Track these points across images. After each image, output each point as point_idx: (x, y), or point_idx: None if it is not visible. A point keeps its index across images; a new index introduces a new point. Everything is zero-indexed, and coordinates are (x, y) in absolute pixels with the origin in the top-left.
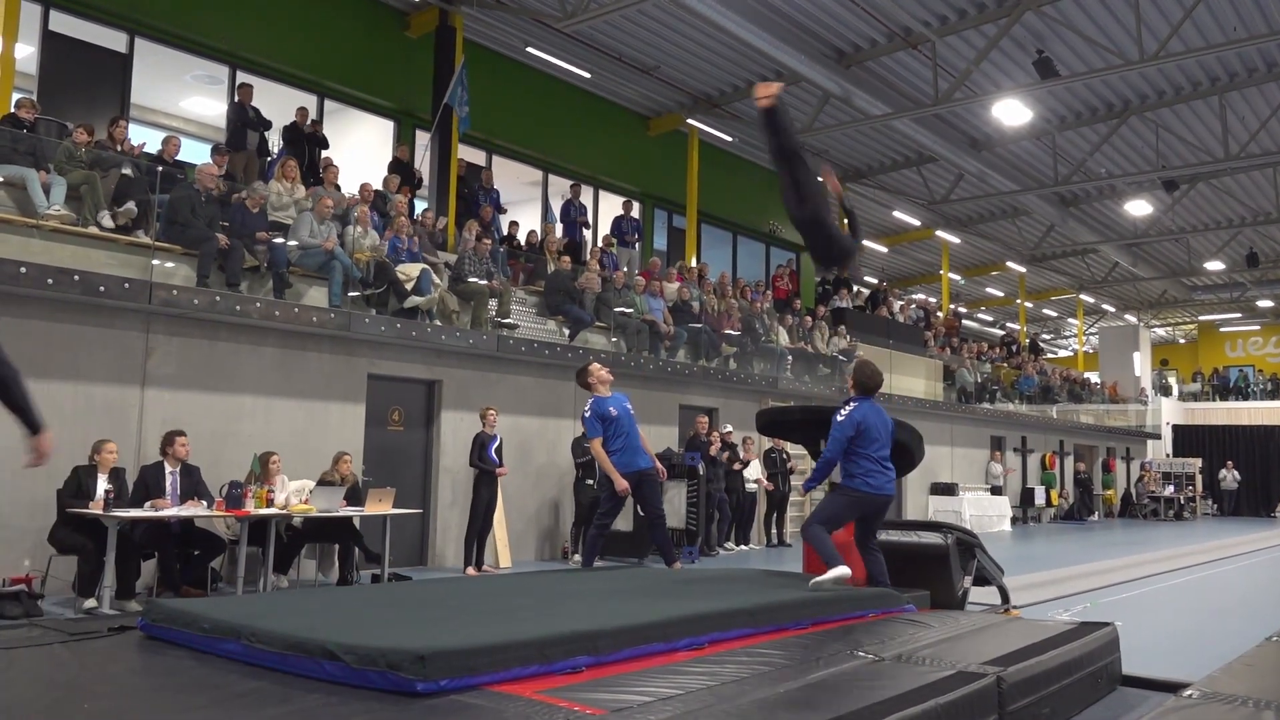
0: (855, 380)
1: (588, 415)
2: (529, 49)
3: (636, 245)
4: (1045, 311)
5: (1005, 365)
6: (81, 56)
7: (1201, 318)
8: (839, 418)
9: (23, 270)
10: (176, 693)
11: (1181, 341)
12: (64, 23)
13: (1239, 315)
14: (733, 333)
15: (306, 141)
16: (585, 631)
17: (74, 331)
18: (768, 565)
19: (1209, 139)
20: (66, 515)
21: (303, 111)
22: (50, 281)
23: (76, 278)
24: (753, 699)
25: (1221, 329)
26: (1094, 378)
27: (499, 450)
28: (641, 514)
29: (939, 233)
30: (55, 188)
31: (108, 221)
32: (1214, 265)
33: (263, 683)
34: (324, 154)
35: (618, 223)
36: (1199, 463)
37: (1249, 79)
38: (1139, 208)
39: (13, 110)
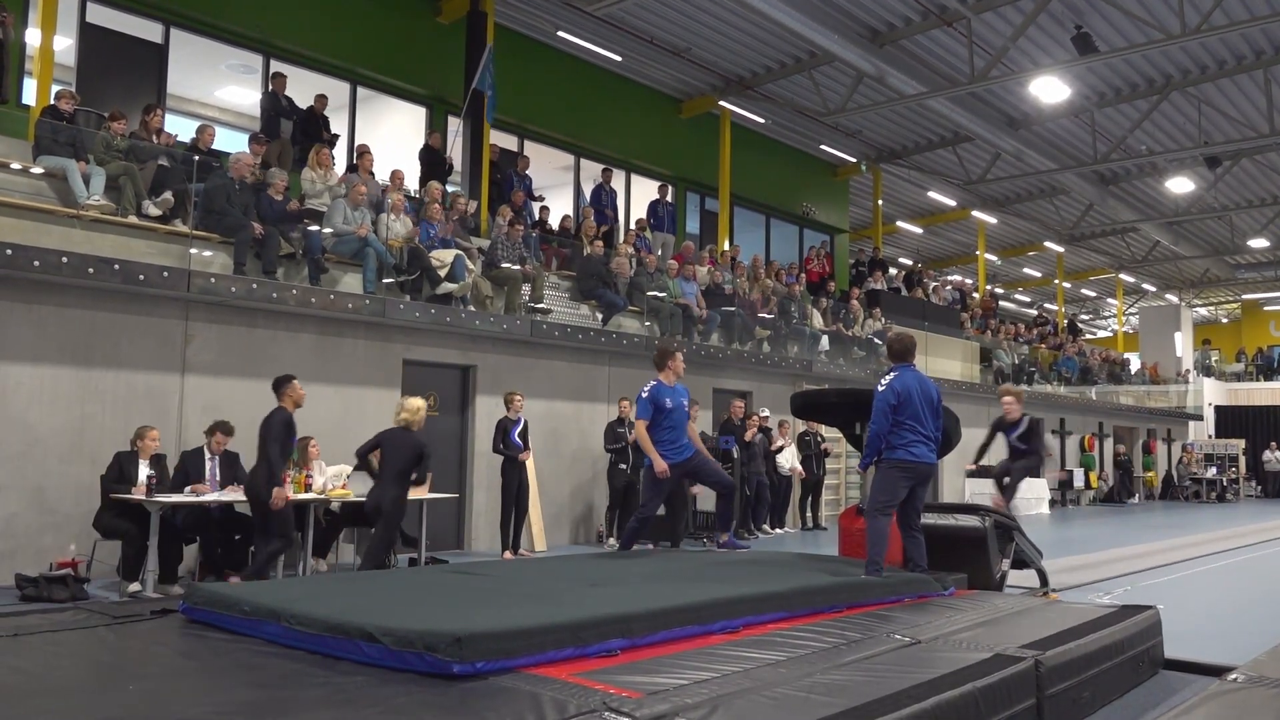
0: (889, 349)
1: (644, 396)
2: (560, 33)
3: (670, 229)
4: (1084, 292)
5: (1043, 346)
6: (118, 47)
7: (1245, 296)
8: (879, 387)
9: (64, 260)
10: (219, 674)
11: (1224, 321)
12: (101, 14)
13: None
14: (766, 316)
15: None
16: (620, 615)
17: (115, 320)
18: (803, 549)
19: (1253, 114)
20: (110, 500)
21: (321, 99)
22: (91, 271)
23: (116, 267)
24: (787, 683)
25: (1265, 308)
26: (1134, 358)
27: (524, 434)
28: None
29: (975, 213)
30: (94, 178)
31: (153, 210)
32: (1258, 243)
33: (302, 664)
34: (353, 138)
35: (653, 207)
36: (1242, 444)
37: None
38: (1180, 185)
39: (53, 102)
